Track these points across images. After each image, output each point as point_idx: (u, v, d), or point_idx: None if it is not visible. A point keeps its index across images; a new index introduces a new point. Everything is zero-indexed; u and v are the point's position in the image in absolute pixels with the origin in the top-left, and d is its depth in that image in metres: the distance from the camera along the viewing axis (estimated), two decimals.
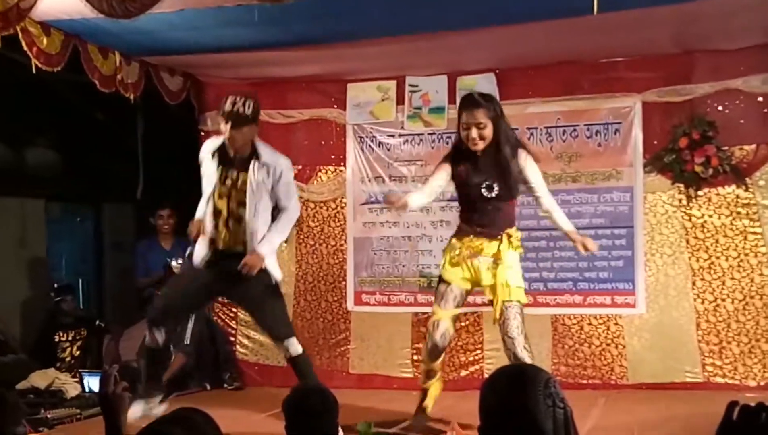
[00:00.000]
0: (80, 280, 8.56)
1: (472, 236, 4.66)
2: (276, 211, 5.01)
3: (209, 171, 5.00)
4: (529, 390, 2.05)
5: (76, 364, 6.91)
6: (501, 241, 4.61)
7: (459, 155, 4.67)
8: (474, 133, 4.48)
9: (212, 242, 4.98)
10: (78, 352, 7.07)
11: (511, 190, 4.64)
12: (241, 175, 4.93)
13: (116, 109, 6.98)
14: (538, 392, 2.05)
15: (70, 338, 7.05)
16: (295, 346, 5.04)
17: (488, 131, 4.49)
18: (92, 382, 5.78)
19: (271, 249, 5.01)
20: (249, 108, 4.81)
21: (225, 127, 4.84)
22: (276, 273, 5.05)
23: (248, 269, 4.84)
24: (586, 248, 4.65)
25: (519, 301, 4.59)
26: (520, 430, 2.02)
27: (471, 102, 4.54)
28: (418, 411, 4.89)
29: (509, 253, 4.63)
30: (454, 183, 4.73)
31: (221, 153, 4.98)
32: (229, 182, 4.96)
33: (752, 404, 1.74)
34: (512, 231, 4.67)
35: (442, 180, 4.71)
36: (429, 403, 4.85)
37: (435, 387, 4.88)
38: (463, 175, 4.64)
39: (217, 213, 4.97)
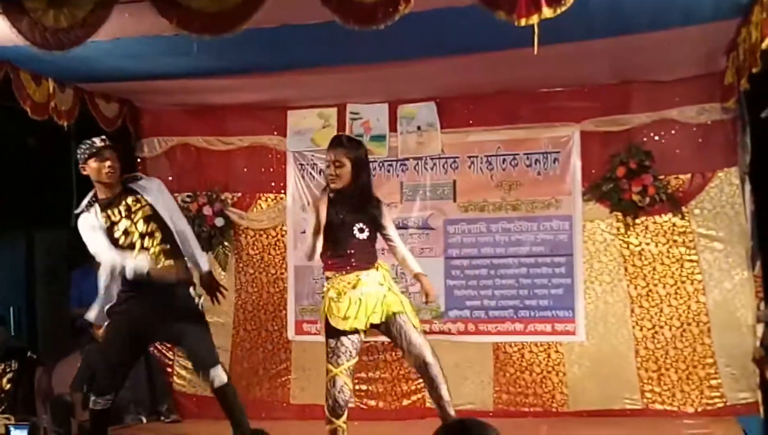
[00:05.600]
0: (11, 310, 8.30)
1: (344, 273, 4.59)
2: None
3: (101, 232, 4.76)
4: None
5: (6, 398, 6.69)
6: (376, 270, 4.63)
7: (330, 197, 4.63)
8: (331, 169, 4.55)
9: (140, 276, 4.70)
10: (9, 385, 6.82)
11: (374, 233, 4.69)
12: (127, 201, 4.81)
13: (50, 135, 6.80)
14: None
15: (0, 370, 6.82)
16: (221, 376, 4.86)
17: (345, 170, 4.53)
18: None
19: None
20: (105, 137, 4.88)
21: (100, 163, 4.75)
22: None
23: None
24: (427, 297, 4.70)
25: (406, 313, 4.60)
26: None
27: (334, 141, 4.71)
28: None
29: (390, 280, 4.66)
30: (325, 226, 4.58)
31: (101, 204, 4.80)
32: (124, 216, 4.79)
33: None
34: (382, 263, 4.71)
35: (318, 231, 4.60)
36: None
37: None
38: (335, 216, 4.59)
39: (130, 246, 4.76)
